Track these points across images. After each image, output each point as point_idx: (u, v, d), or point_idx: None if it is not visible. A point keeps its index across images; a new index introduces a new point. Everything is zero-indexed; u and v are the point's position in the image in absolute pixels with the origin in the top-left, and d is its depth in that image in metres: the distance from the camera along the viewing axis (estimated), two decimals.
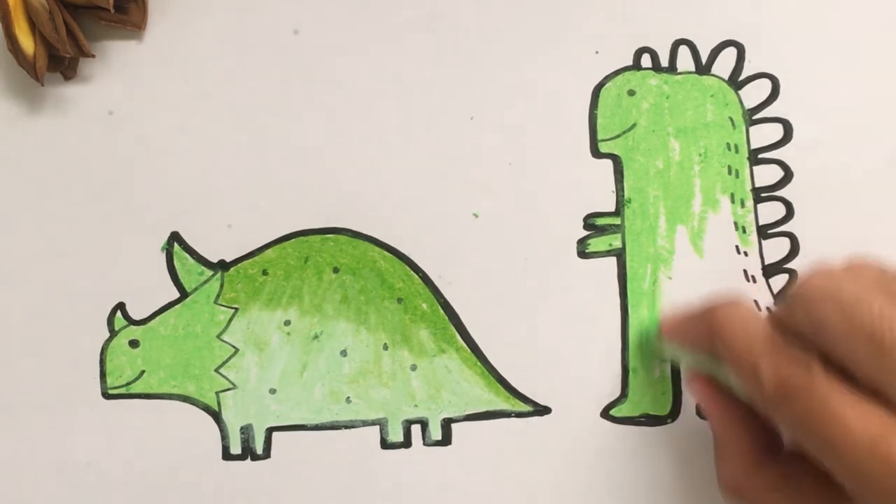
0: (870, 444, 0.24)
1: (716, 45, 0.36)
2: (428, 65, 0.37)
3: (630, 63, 0.37)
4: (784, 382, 0.26)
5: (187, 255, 0.37)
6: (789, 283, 0.36)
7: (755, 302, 0.36)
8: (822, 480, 0.27)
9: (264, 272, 0.37)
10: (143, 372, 0.36)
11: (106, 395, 0.37)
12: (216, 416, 0.36)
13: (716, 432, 0.31)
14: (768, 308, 0.35)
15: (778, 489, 0.29)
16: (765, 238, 0.36)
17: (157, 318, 0.37)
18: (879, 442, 0.24)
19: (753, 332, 0.28)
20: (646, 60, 0.37)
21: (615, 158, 0.36)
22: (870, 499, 0.25)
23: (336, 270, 0.37)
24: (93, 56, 0.37)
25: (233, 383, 0.36)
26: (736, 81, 0.36)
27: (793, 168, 0.36)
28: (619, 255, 0.36)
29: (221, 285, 0.37)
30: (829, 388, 0.25)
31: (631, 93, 0.37)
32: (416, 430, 0.36)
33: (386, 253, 0.37)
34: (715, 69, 0.36)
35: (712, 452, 0.35)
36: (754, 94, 0.36)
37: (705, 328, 0.30)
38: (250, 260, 0.37)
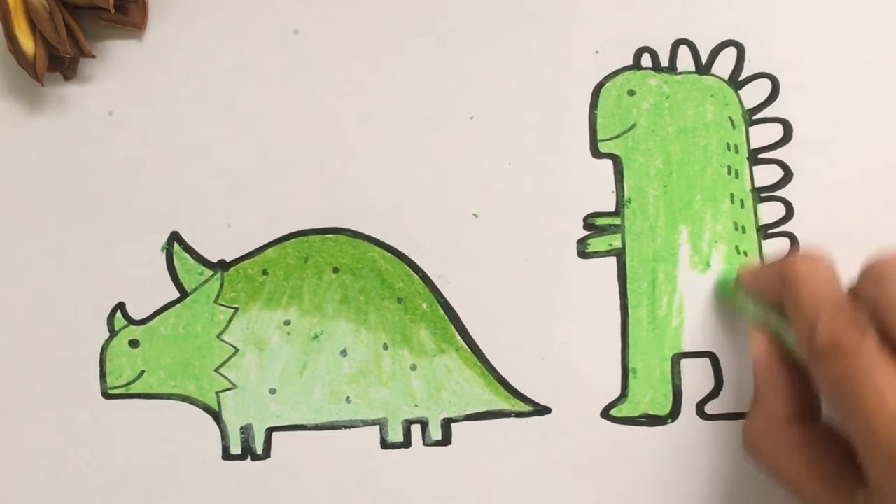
0: (894, 417, 0.25)
1: (716, 45, 0.36)
2: (428, 65, 0.37)
3: (630, 63, 0.37)
4: (836, 339, 0.27)
5: (187, 255, 0.37)
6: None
7: None
8: (842, 457, 0.28)
9: (264, 272, 0.37)
10: (143, 372, 0.36)
11: (106, 395, 0.37)
12: (216, 415, 0.36)
13: (756, 386, 0.32)
14: None
15: (797, 453, 0.29)
16: (765, 238, 0.36)
17: (157, 318, 0.37)
18: None
19: (824, 285, 0.29)
20: (646, 60, 0.37)
21: (615, 158, 0.36)
22: (882, 472, 0.25)
23: (336, 270, 0.37)
24: (93, 56, 0.37)
25: (233, 383, 0.36)
26: (736, 81, 0.36)
27: (793, 168, 0.36)
28: (619, 255, 0.36)
29: (221, 285, 0.37)
30: (876, 357, 0.26)
31: (631, 93, 0.37)
32: (416, 430, 0.36)
33: (386, 253, 0.37)
34: (715, 69, 0.36)
35: (712, 452, 0.35)
36: (754, 94, 0.36)
37: (777, 275, 0.30)
38: (250, 260, 0.37)
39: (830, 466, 0.29)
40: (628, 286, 0.36)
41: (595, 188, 0.36)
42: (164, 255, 0.37)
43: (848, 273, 0.30)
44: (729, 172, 0.36)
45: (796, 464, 0.29)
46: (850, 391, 0.26)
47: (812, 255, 0.30)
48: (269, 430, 0.36)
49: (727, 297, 0.35)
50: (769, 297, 0.32)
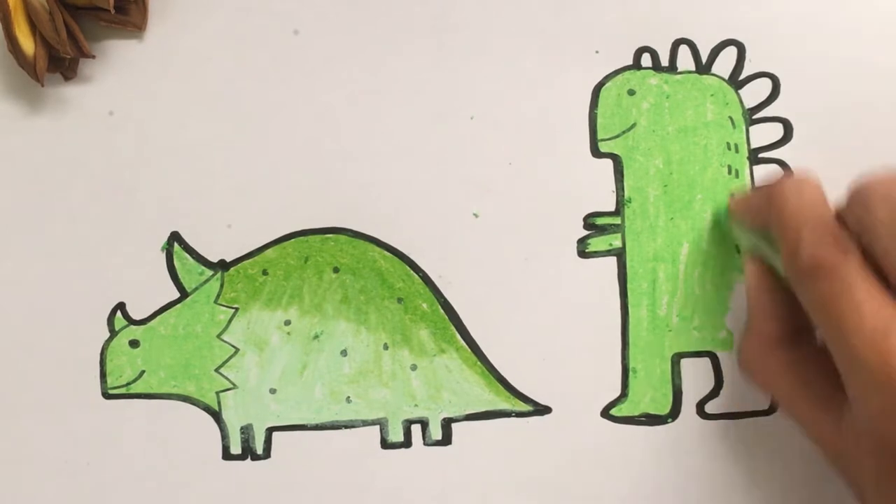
0: (872, 334, 0.25)
1: (716, 44, 0.36)
2: (428, 65, 0.37)
3: (630, 62, 0.37)
4: (819, 257, 0.27)
5: (187, 255, 0.37)
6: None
7: None
8: (832, 377, 0.28)
9: (264, 272, 0.37)
10: (143, 372, 0.36)
11: (106, 395, 0.37)
12: (216, 415, 0.36)
13: (749, 310, 0.32)
14: None
15: (786, 373, 0.30)
16: None
17: (157, 318, 0.37)
18: (884, 334, 0.25)
19: (808, 206, 0.29)
20: (646, 60, 0.37)
21: (615, 158, 0.36)
22: (859, 388, 0.26)
23: (336, 270, 0.37)
24: (93, 56, 0.37)
25: (233, 383, 0.36)
26: (736, 81, 0.36)
27: (793, 168, 0.36)
28: (619, 254, 0.36)
29: (221, 285, 0.37)
30: (858, 275, 0.26)
31: (631, 92, 0.37)
32: (416, 429, 0.36)
33: (386, 253, 0.37)
34: (715, 69, 0.36)
35: (712, 452, 0.35)
36: (754, 93, 0.36)
37: (764, 199, 0.31)
38: (250, 260, 0.37)
39: (819, 386, 0.29)
40: (628, 286, 0.36)
41: (595, 188, 0.36)
42: (164, 255, 0.37)
43: None
44: (729, 172, 0.36)
45: (786, 384, 0.30)
46: (832, 309, 0.26)
47: (798, 177, 0.30)
48: (270, 430, 0.36)
49: (722, 229, 0.35)
50: (758, 221, 0.32)
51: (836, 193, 0.36)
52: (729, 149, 0.36)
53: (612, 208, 0.36)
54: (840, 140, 0.36)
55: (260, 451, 0.36)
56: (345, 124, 0.37)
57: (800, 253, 0.28)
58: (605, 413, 0.36)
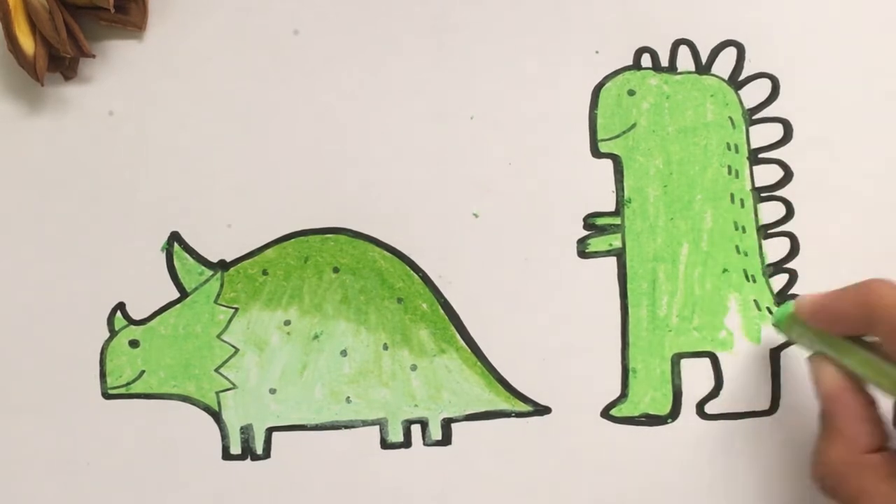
0: None
1: (716, 44, 0.36)
2: (428, 65, 0.37)
3: (630, 63, 0.37)
4: None
5: (187, 255, 0.37)
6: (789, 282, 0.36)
7: (755, 301, 0.36)
8: None
9: (264, 272, 0.37)
10: (143, 372, 0.36)
11: (106, 395, 0.37)
12: (216, 416, 0.36)
13: (831, 416, 0.31)
14: (770, 309, 0.35)
15: (885, 479, 0.29)
16: (765, 238, 0.36)
17: (157, 318, 0.37)
18: None
19: None
20: (646, 60, 0.37)
21: (615, 158, 0.36)
22: None
23: (336, 270, 0.37)
24: (93, 56, 0.37)
25: (233, 383, 0.36)
26: (736, 81, 0.36)
27: (793, 168, 0.36)
28: (619, 254, 0.36)
29: (221, 285, 0.37)
30: None
31: (631, 93, 0.37)
32: (416, 430, 0.36)
33: (386, 253, 0.37)
34: (715, 69, 0.36)
35: (712, 452, 0.35)
36: (754, 93, 0.36)
37: (857, 304, 0.30)
38: (250, 260, 0.37)
39: None
40: (628, 286, 0.36)
41: (595, 188, 0.36)
42: (164, 255, 0.37)
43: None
44: (729, 172, 0.36)
45: (885, 490, 0.29)
46: None
47: (881, 279, 0.30)
48: (269, 430, 0.36)
49: (783, 331, 0.34)
50: (843, 327, 0.31)
51: (836, 193, 0.36)
52: (729, 149, 0.36)
53: (612, 208, 0.36)
54: (840, 140, 0.36)
55: (260, 451, 0.36)
56: (345, 124, 0.37)
57: None
58: (605, 413, 0.36)
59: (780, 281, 0.36)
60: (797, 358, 0.35)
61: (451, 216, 0.37)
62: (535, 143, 0.37)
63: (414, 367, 0.36)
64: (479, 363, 0.36)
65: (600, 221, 0.36)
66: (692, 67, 0.37)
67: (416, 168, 0.37)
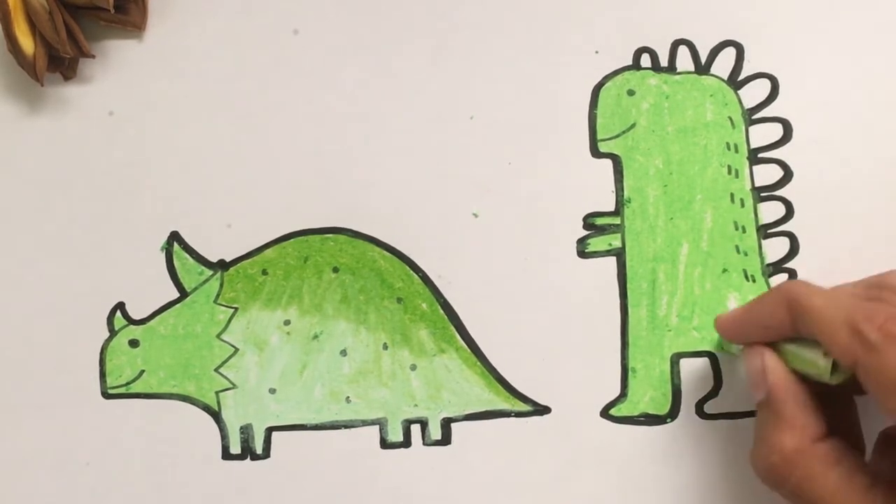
0: None
1: (715, 44, 0.36)
2: (428, 65, 0.37)
3: (630, 63, 0.37)
4: (887, 326, 0.27)
5: (187, 255, 0.37)
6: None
7: None
8: (864, 467, 0.28)
9: (264, 272, 0.37)
10: (142, 372, 0.36)
11: (106, 395, 0.37)
12: (216, 415, 0.36)
13: (779, 406, 0.31)
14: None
15: (833, 465, 0.29)
16: (765, 238, 0.36)
17: (157, 318, 0.37)
18: None
19: (835, 296, 0.29)
20: (645, 60, 0.37)
21: (615, 158, 0.36)
22: None
23: (336, 270, 0.37)
24: (93, 56, 0.37)
25: (232, 383, 0.36)
26: (735, 81, 0.36)
27: (793, 168, 0.36)
28: (619, 254, 0.36)
29: (221, 285, 0.37)
30: None
31: (631, 93, 0.37)
32: (415, 429, 0.36)
33: (386, 253, 0.37)
34: (714, 69, 0.36)
35: (712, 452, 0.35)
36: (754, 93, 0.36)
37: (778, 309, 0.30)
38: (250, 260, 0.37)
39: (862, 476, 0.29)
40: (628, 286, 0.36)
41: (595, 188, 0.36)
42: (164, 255, 0.37)
43: (848, 270, 0.30)
44: (729, 172, 0.36)
45: (833, 476, 0.29)
46: None
47: (793, 282, 0.30)
48: (269, 430, 0.36)
49: (728, 350, 0.35)
50: (768, 335, 0.31)
51: (836, 193, 0.36)
52: (728, 149, 0.36)
53: (611, 208, 0.36)
54: (840, 140, 0.36)
55: (259, 450, 0.36)
56: (345, 124, 0.37)
57: (864, 332, 0.27)
58: (605, 413, 0.36)
59: (779, 281, 0.36)
60: None
61: (450, 216, 0.37)
62: (535, 143, 0.37)
63: (414, 367, 0.36)
64: (478, 363, 0.36)
65: (600, 221, 0.36)
66: (692, 67, 0.37)
67: (415, 168, 0.37)
